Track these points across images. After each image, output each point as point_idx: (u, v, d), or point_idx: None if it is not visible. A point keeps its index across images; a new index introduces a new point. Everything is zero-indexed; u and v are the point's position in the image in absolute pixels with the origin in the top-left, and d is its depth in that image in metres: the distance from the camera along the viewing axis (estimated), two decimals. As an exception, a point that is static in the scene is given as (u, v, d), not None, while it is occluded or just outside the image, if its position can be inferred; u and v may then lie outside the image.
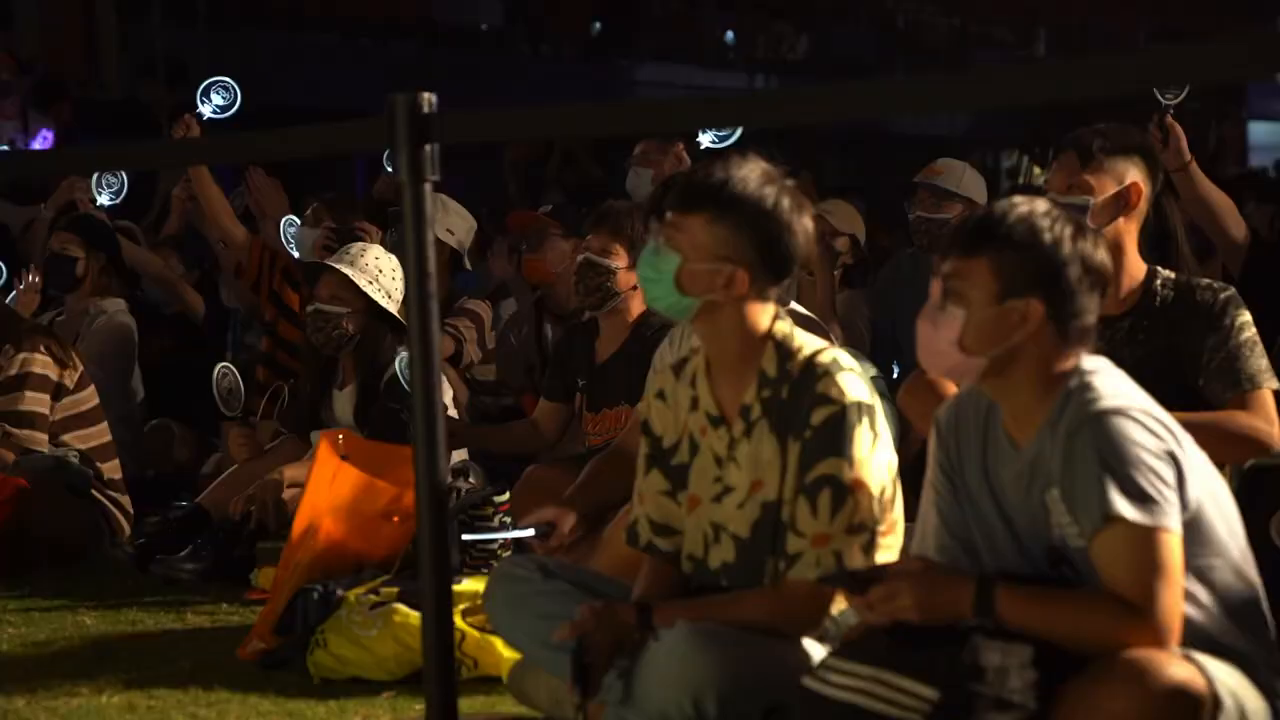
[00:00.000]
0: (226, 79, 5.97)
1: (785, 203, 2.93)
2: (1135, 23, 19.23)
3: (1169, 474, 2.51)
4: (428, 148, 3.17)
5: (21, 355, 5.13)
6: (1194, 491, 2.54)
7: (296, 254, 6.06)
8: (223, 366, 5.20)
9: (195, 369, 6.46)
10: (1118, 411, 2.52)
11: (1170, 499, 2.50)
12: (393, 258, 5.04)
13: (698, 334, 3.04)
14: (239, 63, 13.89)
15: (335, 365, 5.16)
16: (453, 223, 5.78)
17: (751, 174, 2.93)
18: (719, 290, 2.91)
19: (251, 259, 6.26)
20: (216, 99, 5.94)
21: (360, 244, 5.26)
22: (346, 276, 4.98)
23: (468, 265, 6.02)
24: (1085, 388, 2.56)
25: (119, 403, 5.96)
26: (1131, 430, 2.51)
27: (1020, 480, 2.64)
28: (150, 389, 6.36)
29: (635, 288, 4.40)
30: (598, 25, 17.25)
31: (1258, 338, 3.49)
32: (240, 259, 6.33)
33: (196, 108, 6.01)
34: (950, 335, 2.61)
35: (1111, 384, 2.58)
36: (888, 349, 5.71)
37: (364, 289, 4.98)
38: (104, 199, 6.76)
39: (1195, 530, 2.55)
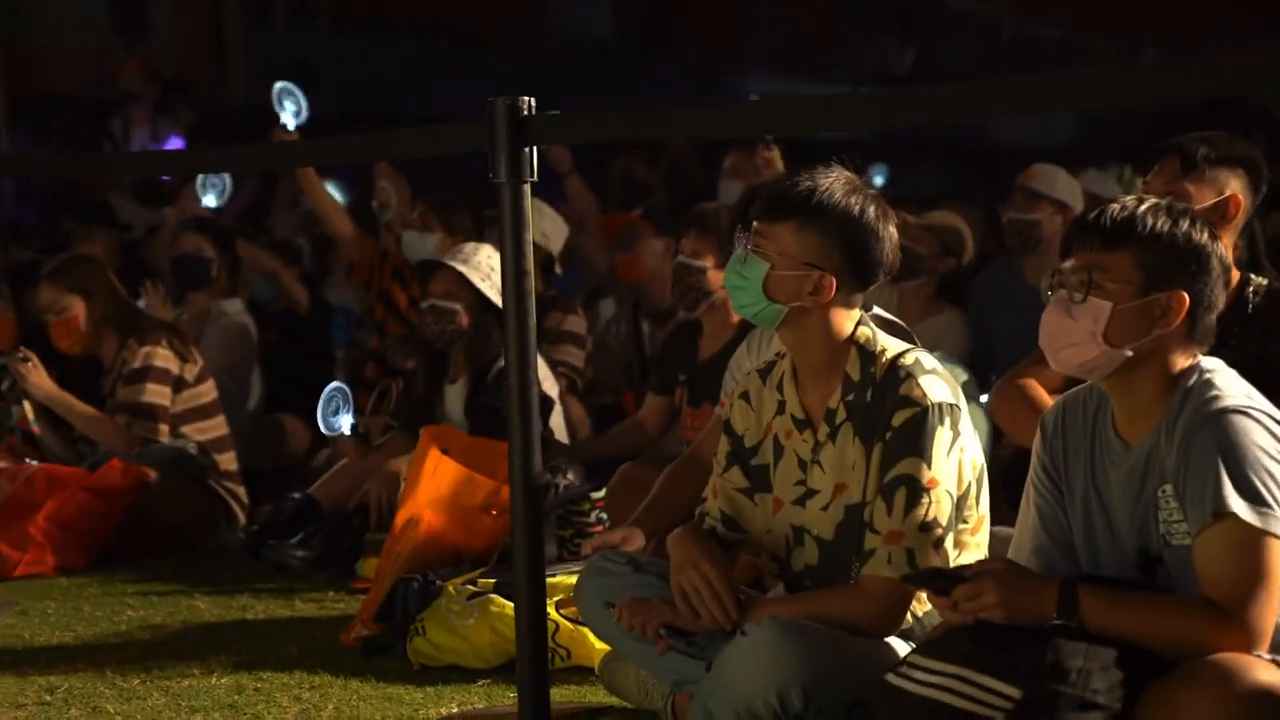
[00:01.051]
0: (291, 85, 5.96)
1: (871, 210, 2.93)
2: (1248, 35, 18.84)
3: None
4: (526, 149, 3.19)
5: (145, 349, 5.22)
6: None
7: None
8: (334, 388, 5.15)
9: (304, 363, 6.56)
10: (1241, 410, 2.49)
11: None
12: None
13: (783, 340, 3.03)
14: (358, 70, 14.10)
15: (447, 360, 5.19)
16: (546, 227, 5.79)
17: (837, 182, 2.93)
18: (806, 296, 2.91)
19: (363, 258, 6.32)
20: (289, 105, 5.94)
21: (473, 244, 5.29)
22: (461, 274, 5.02)
23: (558, 270, 5.99)
24: (1207, 385, 2.54)
25: (239, 398, 6.06)
26: (1254, 430, 2.48)
27: (1131, 478, 2.60)
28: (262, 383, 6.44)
29: None
30: (707, 38, 17.23)
31: None
32: (352, 258, 6.39)
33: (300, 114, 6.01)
34: (1092, 327, 2.57)
35: (1233, 383, 2.56)
36: (984, 355, 5.65)
37: (477, 285, 5.02)
38: (209, 200, 6.87)
39: None
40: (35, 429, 5.26)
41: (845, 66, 18.08)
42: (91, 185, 9.37)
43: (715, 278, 4.51)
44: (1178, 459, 2.52)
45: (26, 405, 5.23)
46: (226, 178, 6.92)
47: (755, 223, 2.97)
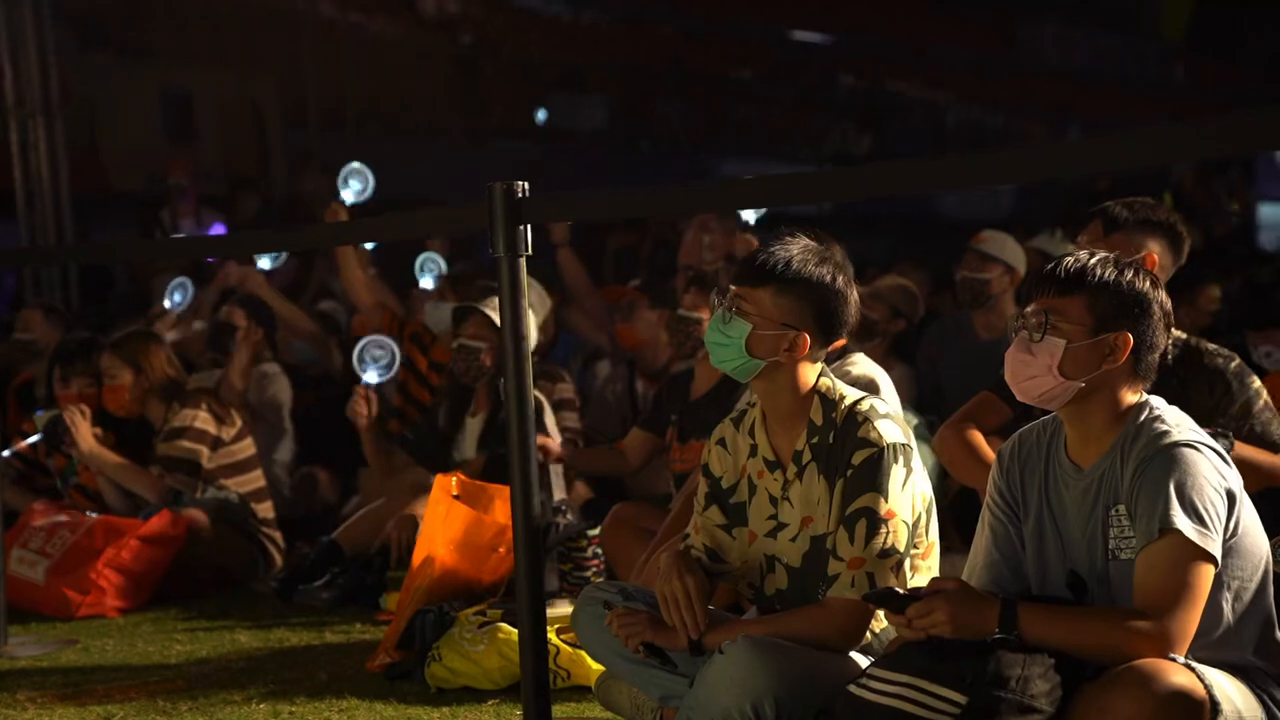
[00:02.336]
0: (360, 165, 5.90)
1: (840, 277, 2.97)
2: (1158, 120, 19.03)
3: (1223, 509, 2.50)
4: (521, 227, 3.20)
5: (186, 411, 5.22)
6: (1243, 519, 2.54)
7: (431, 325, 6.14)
8: (367, 341, 5.22)
9: (336, 421, 6.53)
10: (1191, 444, 2.53)
11: (1219, 532, 2.48)
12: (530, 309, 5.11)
13: (756, 390, 3.05)
14: (378, 162, 14.17)
15: (471, 395, 5.18)
16: (533, 299, 5.69)
17: (809, 251, 2.97)
18: (782, 353, 2.94)
19: (384, 325, 6.31)
20: (355, 184, 5.90)
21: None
22: (490, 318, 5.02)
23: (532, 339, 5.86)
24: (1158, 419, 2.58)
25: (277, 452, 6.05)
26: (1201, 463, 2.51)
27: (1085, 497, 2.62)
28: (297, 438, 6.42)
29: None
30: (689, 126, 17.36)
31: (1271, 402, 3.44)
32: (374, 325, 6.38)
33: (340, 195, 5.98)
34: (1049, 362, 2.61)
35: (1181, 419, 2.61)
36: (934, 399, 5.64)
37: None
38: (264, 263, 6.88)
39: (1236, 553, 2.53)
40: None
41: (810, 150, 18.20)
42: (140, 270, 9.42)
43: None
44: (1131, 482, 2.55)
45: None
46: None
47: (735, 287, 2.99)
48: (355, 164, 5.88)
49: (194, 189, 9.79)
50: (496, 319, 5.00)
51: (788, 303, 2.92)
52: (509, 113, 16.29)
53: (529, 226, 3.19)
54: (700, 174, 17.05)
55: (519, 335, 3.25)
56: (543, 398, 5.07)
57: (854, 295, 2.99)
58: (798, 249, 2.95)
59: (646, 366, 6.10)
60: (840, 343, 3.63)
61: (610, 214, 3.40)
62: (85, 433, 5.18)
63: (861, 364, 3.82)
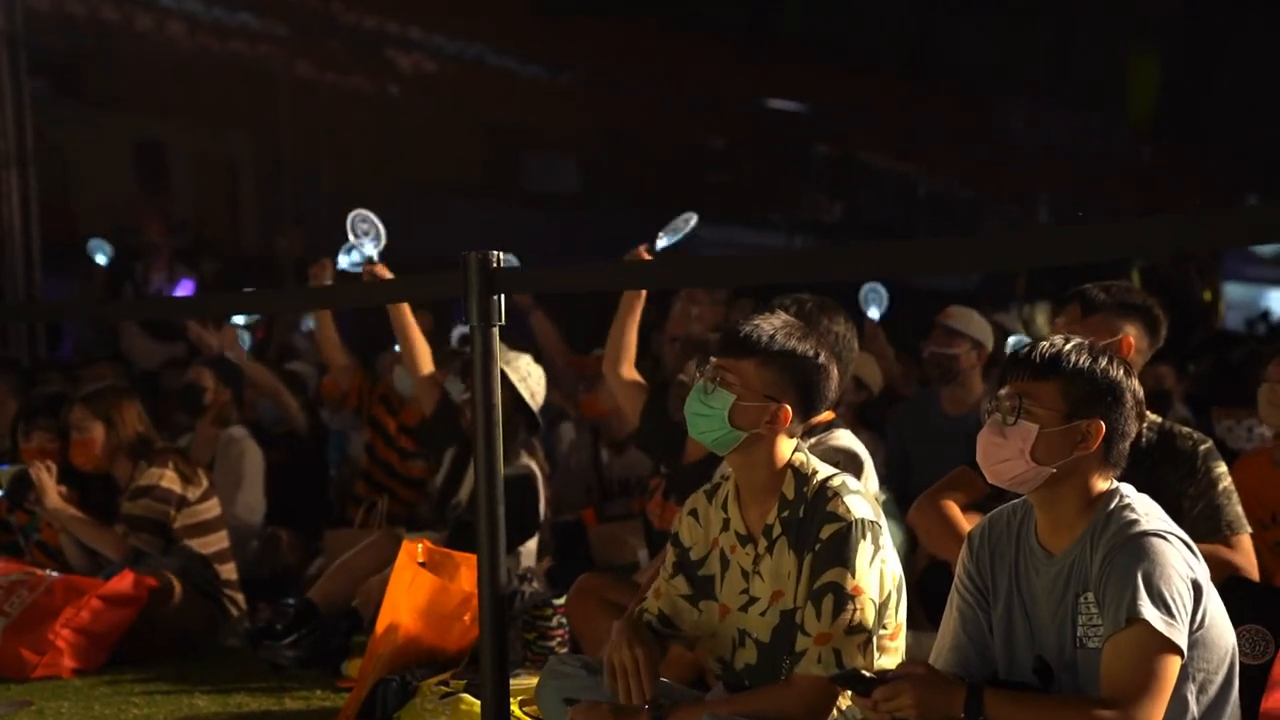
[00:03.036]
0: (372, 219, 5.26)
1: (822, 352, 3.00)
2: (1126, 199, 19.28)
3: (1190, 600, 2.51)
4: (495, 297, 3.21)
5: (153, 469, 5.18)
6: (1209, 610, 2.55)
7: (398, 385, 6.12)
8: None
9: (300, 481, 6.50)
10: (1160, 534, 2.54)
11: (1185, 623, 2.49)
12: (539, 369, 5.09)
13: (732, 463, 3.06)
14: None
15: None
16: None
17: (793, 325, 3.00)
18: (763, 425, 2.95)
19: (353, 387, 6.30)
20: (356, 255, 5.24)
21: (516, 352, 5.24)
22: (502, 371, 4.96)
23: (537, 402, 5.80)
24: (1127, 508, 2.59)
25: (244, 515, 6.00)
26: (1169, 553, 2.52)
27: (1055, 584, 2.63)
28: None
29: None
30: (661, 192, 17.45)
31: (1233, 487, 3.47)
32: (344, 386, 6.37)
33: (334, 256, 5.42)
34: (1021, 446, 2.61)
35: (1151, 508, 2.62)
36: (899, 473, 5.66)
37: (514, 384, 4.99)
38: (239, 318, 6.85)
39: (1202, 645, 2.54)
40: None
41: (782, 217, 18.34)
42: (107, 324, 9.41)
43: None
44: (1100, 570, 2.55)
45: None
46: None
47: (717, 359, 3.01)
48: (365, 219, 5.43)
49: (167, 245, 9.79)
50: (511, 374, 4.99)
51: (771, 375, 2.94)
52: (487, 174, 16.37)
53: (503, 296, 3.22)
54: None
55: (490, 405, 3.27)
56: (536, 470, 5.03)
57: (835, 370, 3.02)
58: (781, 322, 2.99)
59: (611, 436, 6.10)
60: (828, 416, 3.64)
61: (584, 286, 3.43)
62: (50, 489, 5.14)
63: (844, 439, 3.80)
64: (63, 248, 10.26)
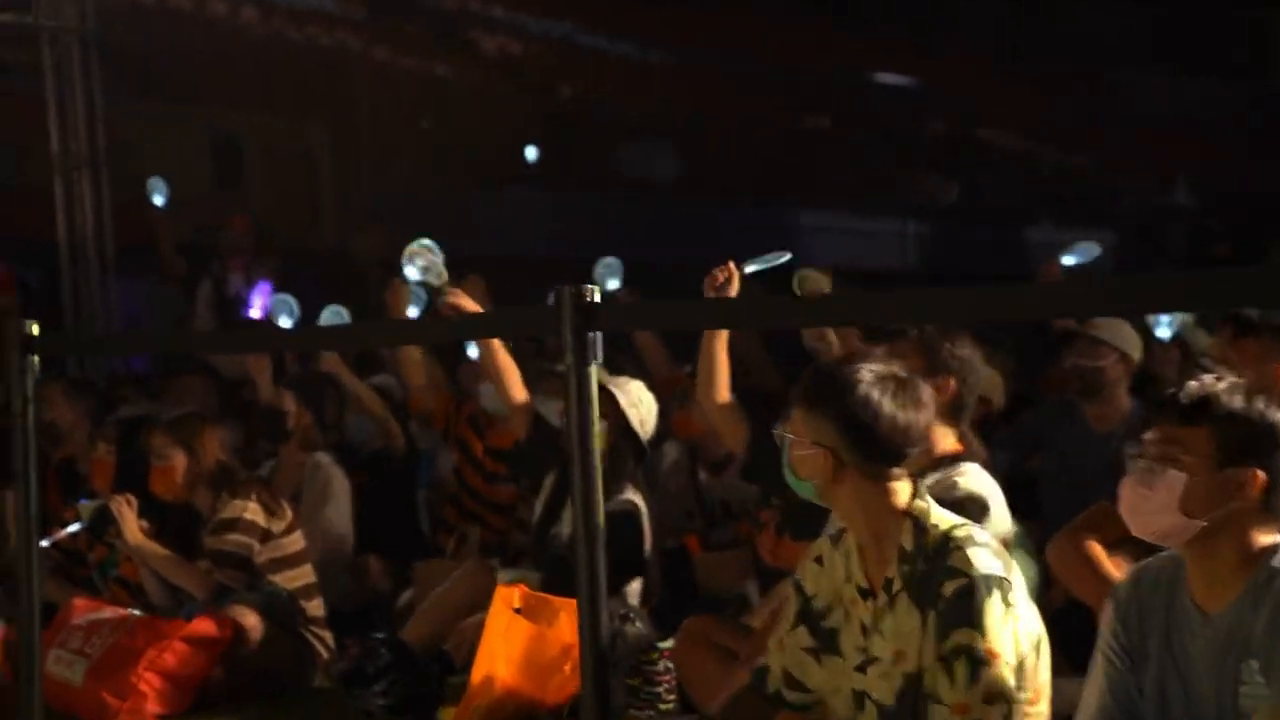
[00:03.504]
0: (430, 242, 5.40)
1: (875, 395, 2.94)
2: (1274, 177, 18.78)
3: None
4: (591, 335, 3.20)
5: (236, 502, 5.25)
6: None
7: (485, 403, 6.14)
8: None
9: (390, 504, 6.54)
10: None
11: None
12: (650, 396, 5.08)
13: (837, 514, 3.07)
14: (448, 216, 14.29)
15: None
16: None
17: (861, 369, 2.97)
18: (819, 474, 2.95)
19: (439, 407, 6.33)
20: (420, 263, 5.40)
21: (626, 377, 5.25)
22: (612, 394, 4.99)
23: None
24: None
25: (331, 545, 6.05)
26: None
27: (1213, 649, 2.57)
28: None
29: None
30: (765, 179, 17.37)
31: None
32: (428, 406, 6.41)
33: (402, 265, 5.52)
34: (1168, 498, 2.56)
35: None
36: (1026, 489, 5.57)
37: (624, 409, 4.99)
38: (284, 321, 6.94)
39: None
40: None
41: (893, 201, 18.14)
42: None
43: None
44: (1266, 634, 2.48)
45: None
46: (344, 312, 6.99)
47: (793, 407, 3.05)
48: (425, 240, 5.54)
49: (248, 244, 9.92)
50: (620, 398, 4.98)
51: (815, 421, 2.96)
52: (581, 163, 16.39)
53: (600, 334, 3.20)
54: (776, 226, 17.06)
55: (587, 449, 3.24)
56: (641, 504, 5.03)
57: (906, 417, 2.96)
58: (849, 367, 2.98)
59: (708, 457, 6.08)
60: (954, 447, 3.58)
61: (685, 324, 3.41)
62: (132, 524, 5.22)
63: (971, 476, 3.69)
64: (138, 249, 10.45)
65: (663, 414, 6.61)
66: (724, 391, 4.62)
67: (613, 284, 6.43)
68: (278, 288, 9.97)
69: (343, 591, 6.09)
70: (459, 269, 5.47)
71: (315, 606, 5.37)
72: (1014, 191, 18.77)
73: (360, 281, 11.45)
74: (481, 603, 4.92)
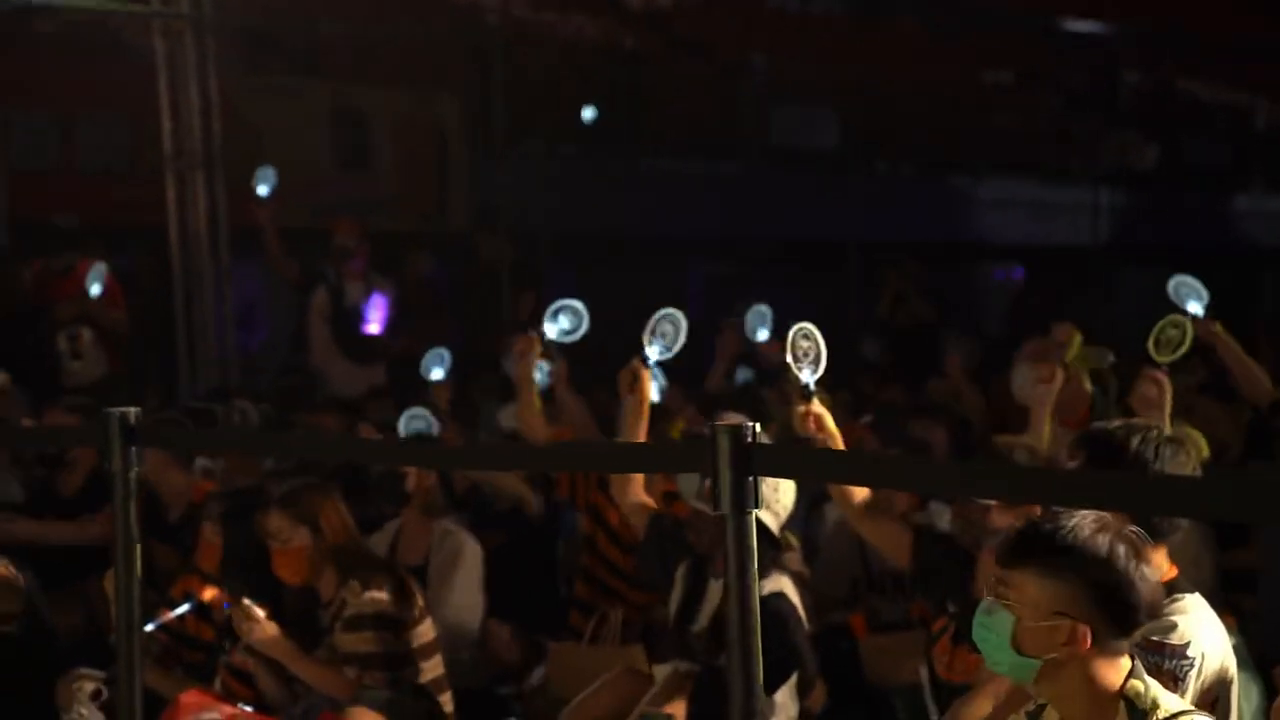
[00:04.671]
0: (576, 303, 5.56)
1: (1120, 549, 2.80)
2: None
3: None
4: (751, 479, 3.05)
5: (369, 595, 5.11)
6: None
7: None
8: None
9: (525, 568, 6.45)
10: None
11: None
12: (789, 484, 4.88)
13: (1043, 695, 2.92)
14: (578, 191, 14.19)
15: (708, 562, 4.95)
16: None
17: (1084, 520, 2.81)
18: (1059, 648, 2.79)
19: (572, 475, 6.17)
20: (564, 322, 5.55)
21: (775, 479, 5.08)
22: None
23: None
24: None
25: (459, 619, 5.98)
26: None
27: None
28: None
29: None
30: (936, 141, 16.99)
31: None
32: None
33: (541, 321, 5.64)
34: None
35: None
36: (1246, 573, 5.30)
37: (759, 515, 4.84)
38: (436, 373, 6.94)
39: None
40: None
41: (1082, 165, 17.62)
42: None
43: (999, 518, 4.31)
44: None
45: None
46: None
47: (999, 568, 2.87)
48: (570, 300, 5.53)
49: (363, 250, 9.91)
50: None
51: (1055, 585, 2.78)
52: (727, 128, 16.17)
53: (758, 479, 3.06)
54: (952, 198, 16.68)
55: (746, 603, 3.12)
56: (790, 587, 4.85)
57: (1146, 571, 2.81)
58: (1070, 518, 2.80)
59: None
60: (1170, 572, 3.34)
61: (848, 476, 3.26)
62: (264, 627, 5.07)
63: (1194, 613, 3.34)
64: (256, 230, 10.52)
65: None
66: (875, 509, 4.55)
67: (762, 335, 6.29)
68: (399, 297, 9.98)
69: (467, 669, 6.01)
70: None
71: (446, 700, 5.30)
72: (1222, 153, 18.14)
73: (494, 291, 11.44)
74: (628, 710, 4.84)
